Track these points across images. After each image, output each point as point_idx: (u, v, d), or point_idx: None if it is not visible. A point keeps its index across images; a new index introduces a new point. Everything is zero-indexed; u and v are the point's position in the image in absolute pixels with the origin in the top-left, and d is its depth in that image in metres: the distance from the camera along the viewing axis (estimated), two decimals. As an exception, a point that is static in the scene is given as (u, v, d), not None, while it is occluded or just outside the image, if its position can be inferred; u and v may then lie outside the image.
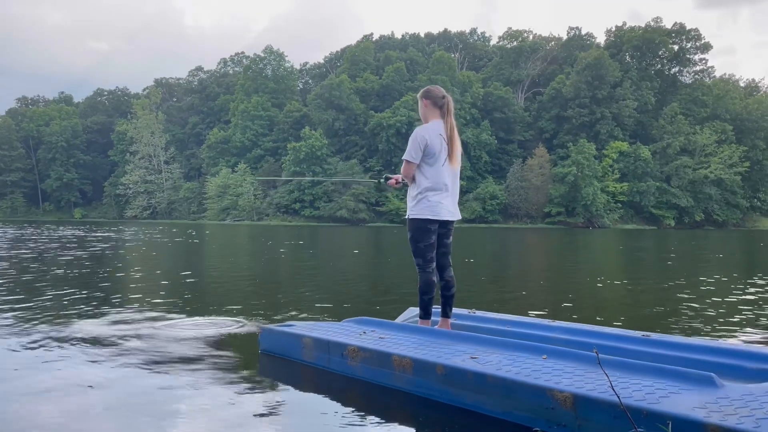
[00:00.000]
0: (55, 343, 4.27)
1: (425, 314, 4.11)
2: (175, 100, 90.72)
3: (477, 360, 3.10)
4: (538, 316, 5.27)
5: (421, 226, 4.01)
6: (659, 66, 71.39)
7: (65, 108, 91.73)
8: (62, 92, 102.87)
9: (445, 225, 4.10)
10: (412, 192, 4.10)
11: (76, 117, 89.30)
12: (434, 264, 4.08)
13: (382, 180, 4.60)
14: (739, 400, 2.40)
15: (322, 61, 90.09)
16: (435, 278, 4.07)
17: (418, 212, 4.02)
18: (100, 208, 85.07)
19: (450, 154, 4.03)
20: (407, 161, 4.03)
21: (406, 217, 4.13)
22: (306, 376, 3.64)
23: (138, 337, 4.56)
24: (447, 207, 4.04)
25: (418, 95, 4.23)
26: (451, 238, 4.18)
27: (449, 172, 4.06)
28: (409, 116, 62.16)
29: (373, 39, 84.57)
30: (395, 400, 3.16)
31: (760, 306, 6.51)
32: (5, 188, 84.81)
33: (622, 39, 70.87)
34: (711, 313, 5.99)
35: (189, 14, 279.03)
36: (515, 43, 77.84)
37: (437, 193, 4.00)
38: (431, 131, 4.01)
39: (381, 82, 70.53)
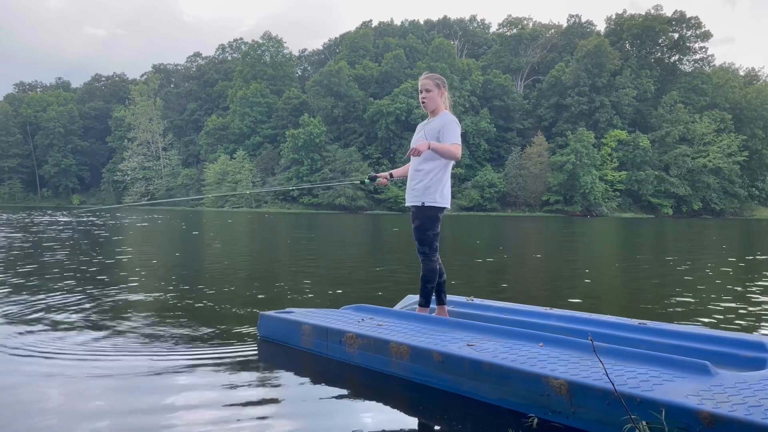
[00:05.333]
0: (48, 326, 4.29)
1: (425, 302, 4.12)
2: (173, 86, 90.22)
3: (474, 347, 3.13)
4: (534, 304, 5.29)
5: (433, 215, 3.99)
6: (659, 54, 71.12)
7: (63, 94, 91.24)
8: (60, 78, 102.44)
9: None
10: (430, 178, 3.96)
11: (73, 103, 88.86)
12: (438, 253, 4.08)
13: (366, 180, 4.37)
14: (732, 388, 2.43)
15: (320, 48, 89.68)
16: (437, 267, 4.09)
17: (436, 200, 3.97)
18: (99, 195, 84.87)
19: None
20: (458, 144, 3.89)
21: (419, 204, 3.98)
22: (304, 362, 3.66)
23: (134, 322, 4.58)
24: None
25: (437, 82, 4.06)
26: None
27: None
28: (408, 104, 61.95)
29: (372, 26, 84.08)
30: (392, 386, 3.19)
31: (756, 295, 6.55)
32: (3, 174, 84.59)
33: (622, 27, 70.54)
34: (706, 301, 6.03)
35: (187, 0, 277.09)
36: (515, 30, 77.44)
37: (448, 182, 4.06)
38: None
39: (380, 69, 70.17)
